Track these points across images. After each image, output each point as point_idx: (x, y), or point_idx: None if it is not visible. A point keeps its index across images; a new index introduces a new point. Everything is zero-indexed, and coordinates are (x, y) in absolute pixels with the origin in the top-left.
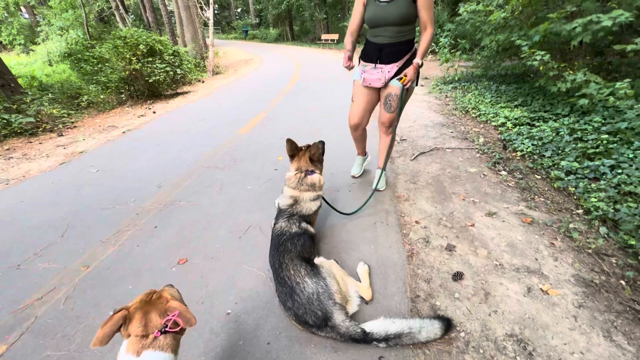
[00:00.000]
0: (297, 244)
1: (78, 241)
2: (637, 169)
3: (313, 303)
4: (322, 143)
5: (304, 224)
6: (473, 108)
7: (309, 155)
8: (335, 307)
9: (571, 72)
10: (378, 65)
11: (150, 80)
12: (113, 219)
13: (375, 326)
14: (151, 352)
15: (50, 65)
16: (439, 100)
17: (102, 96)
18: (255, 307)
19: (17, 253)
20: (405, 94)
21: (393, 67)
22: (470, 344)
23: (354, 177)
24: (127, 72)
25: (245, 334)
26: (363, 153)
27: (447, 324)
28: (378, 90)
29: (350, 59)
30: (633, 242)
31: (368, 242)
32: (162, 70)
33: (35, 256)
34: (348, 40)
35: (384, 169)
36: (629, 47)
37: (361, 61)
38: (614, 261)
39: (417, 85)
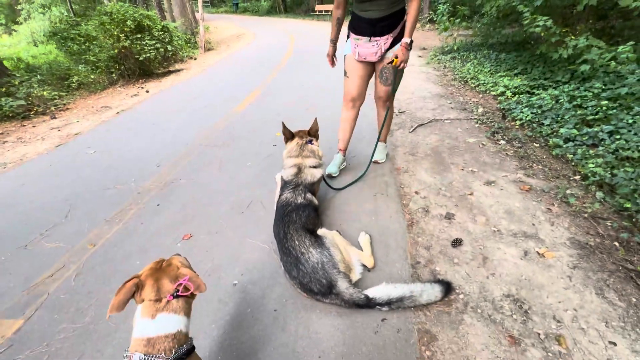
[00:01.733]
0: (302, 215)
1: (82, 221)
2: (635, 134)
3: (318, 272)
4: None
5: (309, 195)
6: (472, 78)
7: (307, 131)
8: (339, 275)
9: (573, 37)
10: (373, 39)
11: (140, 58)
12: (115, 198)
13: (378, 291)
14: (165, 314)
15: (36, 45)
16: (438, 71)
17: (92, 76)
18: (261, 278)
19: (23, 234)
20: (396, 71)
21: (388, 39)
22: (469, 305)
23: (330, 176)
24: (116, 50)
25: (252, 303)
26: (344, 149)
27: (447, 287)
28: (372, 64)
29: (333, 55)
30: (628, 205)
31: (368, 213)
32: (152, 47)
33: (41, 237)
34: (333, 23)
35: (384, 141)
36: (634, 4)
37: (352, 34)
38: (608, 224)
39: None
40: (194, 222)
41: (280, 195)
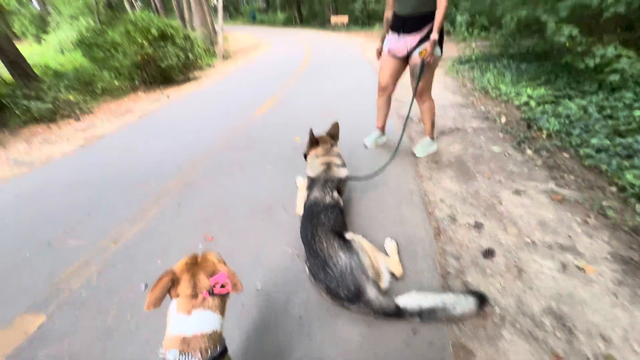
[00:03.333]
0: (331, 217)
1: (105, 219)
2: None
3: (346, 277)
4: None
5: (336, 195)
6: (493, 88)
7: (329, 133)
8: (369, 282)
9: (601, 46)
10: (401, 35)
11: (162, 65)
12: (137, 198)
13: (409, 301)
14: (201, 311)
15: (63, 53)
16: (456, 81)
17: (116, 82)
18: (285, 283)
19: (47, 231)
20: (426, 67)
21: (415, 37)
22: (507, 320)
23: (365, 146)
24: (139, 57)
25: (276, 308)
26: (382, 128)
27: (482, 300)
28: (404, 60)
29: (381, 50)
30: None
31: (393, 220)
32: (174, 54)
33: (65, 234)
34: (384, 23)
35: (431, 136)
36: None
37: (390, 31)
38: None
39: (441, 53)
40: (214, 223)
41: (308, 196)
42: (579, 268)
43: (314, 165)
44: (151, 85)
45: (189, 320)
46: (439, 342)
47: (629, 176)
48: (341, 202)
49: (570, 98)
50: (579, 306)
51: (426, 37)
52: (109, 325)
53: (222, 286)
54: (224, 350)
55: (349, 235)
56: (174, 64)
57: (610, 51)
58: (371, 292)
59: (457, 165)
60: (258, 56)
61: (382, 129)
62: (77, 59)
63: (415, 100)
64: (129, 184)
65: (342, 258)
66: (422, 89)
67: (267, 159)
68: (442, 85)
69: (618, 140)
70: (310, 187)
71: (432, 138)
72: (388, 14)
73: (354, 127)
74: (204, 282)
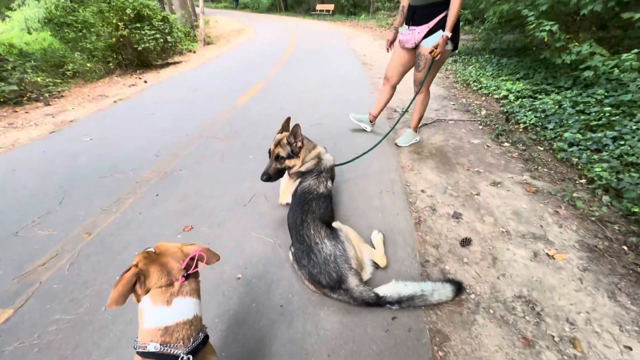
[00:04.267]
0: (322, 207)
1: (77, 209)
2: (639, 140)
3: (329, 264)
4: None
5: (329, 184)
6: (474, 81)
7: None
8: (351, 272)
9: (577, 43)
10: (410, 27)
11: (139, 48)
12: (112, 187)
13: (389, 290)
14: (181, 299)
15: (29, 33)
16: (440, 73)
17: (88, 65)
18: (266, 272)
19: (14, 221)
20: (432, 63)
21: (424, 29)
22: (481, 305)
23: (350, 117)
24: (114, 39)
25: (257, 297)
26: (374, 117)
27: (458, 287)
28: (414, 52)
29: (392, 41)
30: (636, 210)
31: (375, 210)
32: (152, 37)
33: (34, 224)
34: (399, 11)
35: (414, 129)
36: (637, 16)
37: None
38: (616, 228)
39: (456, 49)
40: (194, 213)
41: (301, 182)
42: (549, 256)
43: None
44: (127, 69)
45: (169, 310)
46: (417, 327)
47: (597, 169)
48: (332, 192)
49: (546, 93)
50: (548, 292)
51: (434, 29)
52: (82, 318)
53: (198, 263)
54: (206, 338)
55: (336, 225)
56: (152, 47)
57: (585, 48)
58: (352, 282)
59: (438, 157)
60: (241, 42)
61: (374, 118)
62: (45, 39)
63: (414, 92)
64: (104, 172)
65: (327, 246)
66: (420, 78)
67: (249, 149)
68: None
69: (589, 134)
70: (303, 176)
71: (416, 130)
72: (404, 2)
73: (338, 117)
74: (177, 268)
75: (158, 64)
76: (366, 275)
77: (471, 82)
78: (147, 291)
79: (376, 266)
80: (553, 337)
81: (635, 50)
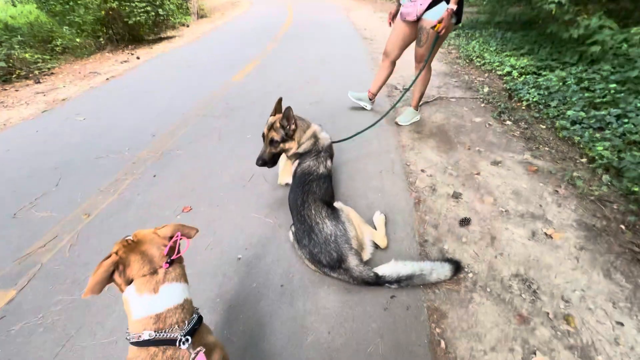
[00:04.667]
0: (322, 187)
1: (74, 190)
2: None
3: (330, 244)
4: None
5: (329, 163)
6: (477, 56)
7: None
8: (351, 252)
9: (586, 16)
10: None
11: (129, 22)
12: (108, 168)
13: (388, 269)
14: (168, 285)
15: (14, 5)
16: (442, 48)
17: (78, 40)
18: (266, 253)
19: (11, 202)
20: (437, 38)
21: (426, 0)
22: (478, 284)
23: (348, 95)
24: (103, 12)
25: (258, 277)
26: (373, 94)
27: (457, 266)
28: (415, 26)
29: (395, 15)
30: (636, 189)
31: (375, 190)
32: (142, 10)
33: (31, 205)
34: None
35: (415, 107)
36: None
37: None
38: (615, 207)
39: (459, 22)
40: (193, 194)
41: (300, 164)
42: (546, 235)
43: (305, 137)
44: (119, 45)
45: (157, 298)
46: (415, 305)
47: (599, 148)
48: (331, 172)
49: (551, 69)
50: (545, 270)
51: (437, 1)
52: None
53: (178, 250)
54: (200, 319)
55: (337, 205)
56: (143, 20)
57: (595, 22)
58: (352, 261)
59: (439, 136)
60: (236, 15)
61: (373, 96)
62: (31, 12)
63: (415, 68)
64: (99, 153)
65: (328, 226)
66: (423, 57)
67: (246, 128)
68: None
69: (592, 112)
70: (302, 157)
71: (416, 109)
72: None
73: (338, 94)
74: (158, 255)
75: (150, 39)
76: (366, 255)
77: (474, 58)
78: (129, 281)
79: (376, 246)
80: (548, 314)
81: None
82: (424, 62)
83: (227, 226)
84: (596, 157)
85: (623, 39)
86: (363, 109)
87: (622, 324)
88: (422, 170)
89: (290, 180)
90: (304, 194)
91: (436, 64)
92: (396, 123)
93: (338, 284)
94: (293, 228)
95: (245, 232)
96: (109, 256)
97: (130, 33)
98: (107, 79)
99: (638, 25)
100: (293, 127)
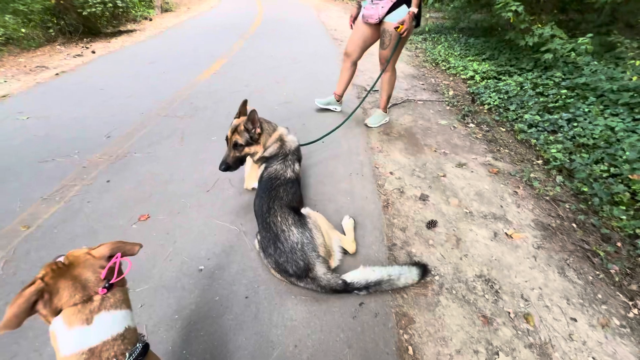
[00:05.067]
0: (289, 192)
1: (12, 199)
2: (590, 122)
3: (296, 253)
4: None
5: (297, 167)
6: (443, 60)
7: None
8: (318, 260)
9: (540, 25)
10: (374, 1)
11: (84, 13)
12: (55, 173)
13: (356, 276)
14: (105, 314)
15: None
16: (409, 52)
17: (23, 30)
18: (230, 262)
19: None
20: (399, 40)
21: (387, 3)
22: (444, 286)
23: (315, 103)
24: (52, 1)
25: (221, 290)
26: (339, 95)
27: (424, 270)
28: (377, 28)
29: (355, 17)
30: (585, 189)
31: (344, 193)
32: (99, 0)
33: None
34: None
35: (383, 109)
36: None
37: None
38: (567, 207)
39: (418, 25)
40: (151, 201)
41: (266, 168)
42: (507, 235)
43: (271, 140)
44: (72, 37)
45: (91, 330)
46: (383, 312)
47: (553, 150)
48: (300, 175)
49: (510, 74)
50: (506, 270)
51: (398, 4)
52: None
53: (120, 272)
54: (146, 347)
55: (305, 211)
56: (99, 11)
57: (547, 31)
58: (319, 270)
59: (407, 138)
60: (203, 11)
61: (340, 97)
62: None
63: (380, 69)
64: (44, 156)
65: (294, 233)
66: (386, 57)
67: (212, 129)
68: None
69: (547, 116)
70: (268, 161)
71: (385, 111)
72: None
73: (308, 95)
74: (94, 279)
75: (108, 32)
76: (334, 262)
77: (440, 62)
78: (57, 311)
79: (345, 252)
80: (509, 313)
81: (590, 35)
82: (385, 64)
83: (188, 235)
84: (550, 159)
85: (571, 48)
86: (333, 110)
87: (575, 320)
88: (391, 173)
89: (256, 185)
90: (270, 199)
91: (404, 67)
92: (365, 125)
93: (306, 293)
94: (259, 236)
95: (208, 241)
96: (33, 282)
97: (85, 25)
98: (57, 74)
99: (584, 35)
100: (258, 130)
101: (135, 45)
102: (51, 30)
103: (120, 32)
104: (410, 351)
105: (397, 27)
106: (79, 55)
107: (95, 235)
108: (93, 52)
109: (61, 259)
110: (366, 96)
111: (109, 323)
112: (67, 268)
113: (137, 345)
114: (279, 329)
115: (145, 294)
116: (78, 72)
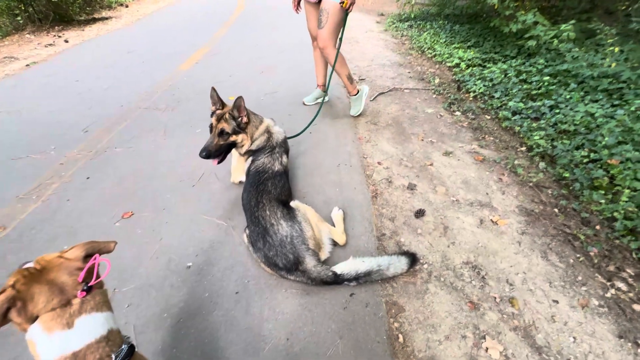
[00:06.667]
0: (278, 185)
1: None
2: (571, 109)
3: (285, 246)
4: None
5: (284, 159)
6: (429, 48)
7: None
8: (308, 252)
9: (523, 12)
10: None
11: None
12: (29, 171)
13: (346, 267)
14: (86, 317)
15: None
16: (395, 39)
17: None
18: (219, 258)
19: None
20: (346, 15)
21: None
22: (433, 274)
23: (304, 104)
24: None
25: (210, 286)
26: (322, 85)
27: (413, 259)
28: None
29: (298, 1)
30: (567, 175)
31: (333, 184)
32: None
33: None
34: None
35: (354, 93)
36: None
37: None
38: (550, 192)
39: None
40: (135, 197)
41: (254, 161)
42: (493, 222)
43: (258, 132)
44: (42, 25)
45: (73, 334)
46: (374, 301)
47: (536, 137)
48: (287, 168)
49: (494, 62)
50: (492, 256)
51: None
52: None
53: (98, 274)
54: (132, 348)
55: (293, 204)
56: None
57: (530, 18)
58: (309, 262)
59: (394, 127)
60: None
61: (323, 87)
62: None
63: (313, 46)
64: (17, 153)
65: (283, 227)
66: (325, 39)
67: (195, 122)
68: (383, 43)
69: (530, 103)
70: (255, 154)
71: (355, 93)
72: None
73: (294, 85)
74: (71, 282)
75: (82, 20)
76: (324, 254)
77: (426, 50)
78: (32, 318)
79: (335, 244)
80: (495, 298)
81: (572, 21)
82: (338, 43)
83: (174, 231)
84: (533, 146)
85: (554, 35)
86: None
87: (557, 302)
88: (379, 163)
89: (244, 178)
90: (259, 193)
91: (391, 55)
92: (351, 116)
93: (296, 286)
94: (247, 230)
95: (195, 237)
96: (3, 290)
97: (56, 12)
98: (28, 65)
99: (566, 22)
100: (245, 120)
101: (111, 34)
102: (19, 18)
103: (95, 20)
104: (401, 339)
105: (342, 2)
106: (50, 44)
107: (76, 235)
108: (66, 41)
109: (30, 264)
110: (329, 82)
111: (91, 326)
112: (40, 273)
113: (123, 346)
114: (270, 323)
115: (132, 293)
116: (50, 63)
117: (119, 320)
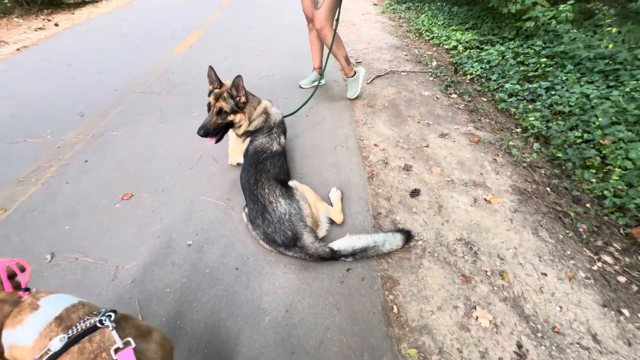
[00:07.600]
0: (276, 165)
1: None
2: (567, 90)
3: (284, 223)
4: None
5: (283, 140)
6: (426, 30)
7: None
8: (306, 229)
9: None
10: None
11: None
12: (27, 154)
13: (343, 244)
14: (47, 297)
15: None
16: (393, 22)
17: None
18: (219, 237)
19: None
20: None
21: None
22: (427, 250)
23: (300, 87)
24: None
25: (211, 263)
26: (318, 68)
27: (408, 236)
28: None
29: None
30: (559, 155)
31: (330, 166)
32: None
33: None
34: None
35: (351, 74)
36: None
37: None
38: (543, 172)
39: None
40: (134, 179)
41: (252, 141)
42: (486, 201)
43: (256, 114)
44: (31, 8)
45: (45, 308)
46: (370, 276)
47: (531, 118)
48: (285, 148)
49: (492, 44)
50: (484, 233)
51: None
52: None
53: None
54: (113, 311)
55: (292, 183)
56: None
57: None
58: (307, 239)
59: (390, 109)
60: None
61: (320, 70)
62: None
63: (309, 28)
64: (14, 136)
65: (281, 204)
66: (322, 20)
67: (192, 105)
68: (380, 26)
69: (526, 85)
70: (255, 134)
71: (352, 75)
72: None
73: (290, 68)
74: (5, 295)
75: (71, 3)
76: (322, 232)
77: (423, 32)
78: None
79: (332, 222)
80: (486, 271)
81: (571, 1)
82: (335, 24)
83: (174, 212)
84: (528, 127)
85: (552, 16)
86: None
87: (545, 274)
88: (375, 145)
89: (241, 160)
90: (257, 172)
91: (388, 38)
92: (348, 98)
93: (295, 262)
94: (246, 209)
95: (194, 217)
96: None
97: None
98: (18, 49)
99: (565, 2)
100: (243, 99)
101: (103, 17)
102: (7, 1)
103: (85, 3)
104: (395, 310)
105: None
106: (40, 28)
107: (76, 217)
108: (56, 24)
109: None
110: (326, 63)
111: (59, 299)
112: None
113: (102, 308)
114: (270, 296)
115: (135, 270)
116: (42, 47)
117: (123, 295)
